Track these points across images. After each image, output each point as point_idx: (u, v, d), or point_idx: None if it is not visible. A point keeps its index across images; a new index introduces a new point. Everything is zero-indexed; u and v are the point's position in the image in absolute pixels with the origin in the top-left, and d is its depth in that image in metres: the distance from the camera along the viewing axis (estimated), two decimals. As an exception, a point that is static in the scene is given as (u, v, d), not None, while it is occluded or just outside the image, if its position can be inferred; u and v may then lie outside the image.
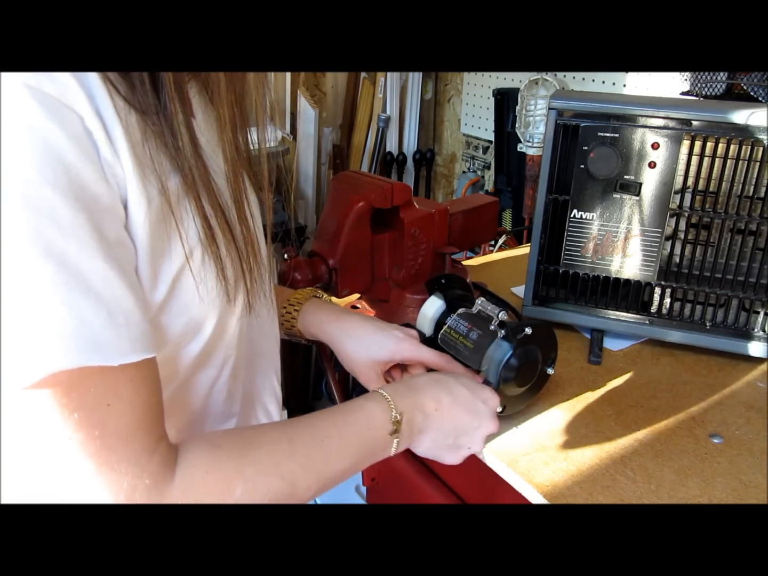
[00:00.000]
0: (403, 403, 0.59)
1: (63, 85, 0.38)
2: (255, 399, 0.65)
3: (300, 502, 0.51)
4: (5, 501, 0.47)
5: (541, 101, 1.48)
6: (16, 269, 0.37)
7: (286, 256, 0.90)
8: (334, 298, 0.88)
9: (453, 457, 0.65)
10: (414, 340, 0.73)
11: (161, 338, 0.48)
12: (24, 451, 0.44)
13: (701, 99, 1.22)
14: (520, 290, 1.06)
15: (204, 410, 0.56)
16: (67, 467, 0.41)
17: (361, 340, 0.73)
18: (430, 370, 0.73)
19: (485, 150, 2.13)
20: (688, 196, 0.87)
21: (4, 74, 0.37)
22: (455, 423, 0.63)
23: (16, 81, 0.37)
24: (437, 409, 0.61)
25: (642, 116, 0.85)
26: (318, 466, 0.52)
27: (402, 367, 0.76)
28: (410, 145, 2.28)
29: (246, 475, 0.47)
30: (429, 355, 0.73)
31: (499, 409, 0.75)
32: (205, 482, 0.45)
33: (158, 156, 0.45)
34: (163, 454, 0.44)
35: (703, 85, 1.24)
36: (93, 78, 0.40)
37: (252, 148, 0.54)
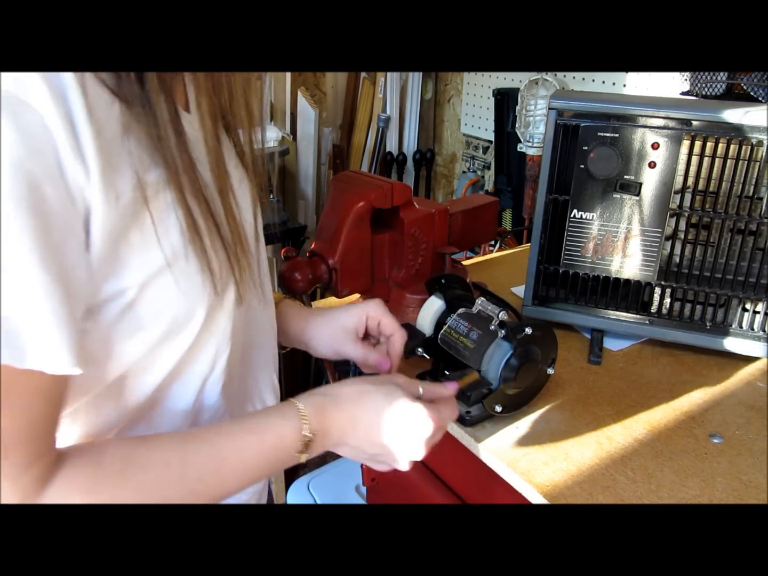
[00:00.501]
0: (318, 421, 0.54)
1: (24, 83, 0.38)
2: (253, 394, 0.65)
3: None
4: None
5: (541, 101, 1.48)
6: None
7: (284, 256, 0.90)
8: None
9: (379, 467, 0.61)
10: (379, 301, 0.72)
11: (141, 332, 0.48)
12: None
13: (701, 99, 1.22)
14: (520, 290, 1.06)
15: (198, 404, 0.56)
16: None
17: (328, 315, 0.73)
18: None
19: (485, 150, 2.13)
20: (688, 196, 0.87)
21: None
22: (370, 444, 0.58)
23: None
24: (353, 429, 0.56)
25: (642, 116, 0.85)
26: (210, 491, 0.50)
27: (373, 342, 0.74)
28: (410, 145, 2.28)
29: (125, 498, 0.45)
30: (390, 320, 0.70)
31: (499, 409, 0.75)
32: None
33: (138, 149, 0.44)
34: (40, 472, 0.43)
35: (703, 85, 1.24)
36: (65, 74, 0.40)
37: (255, 146, 0.54)
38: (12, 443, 0.41)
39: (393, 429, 0.57)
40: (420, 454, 0.58)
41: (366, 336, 0.73)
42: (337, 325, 0.72)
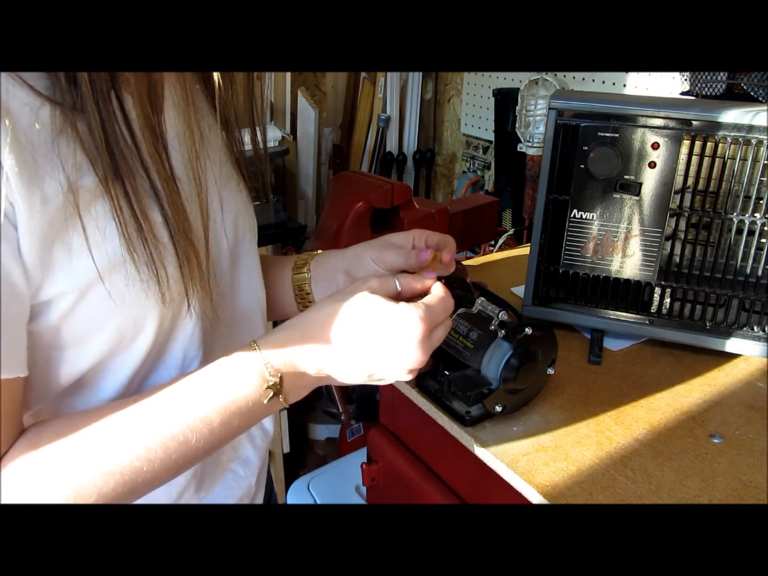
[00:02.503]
0: (284, 359, 0.49)
1: None
2: None
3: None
4: None
5: (541, 101, 1.47)
6: None
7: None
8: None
9: (381, 383, 0.54)
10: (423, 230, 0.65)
11: (89, 338, 0.47)
12: None
13: (701, 99, 1.22)
14: (520, 290, 1.06)
15: None
16: None
17: (376, 240, 0.65)
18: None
19: (485, 150, 2.13)
20: (688, 196, 0.87)
21: None
22: (365, 365, 0.51)
23: None
24: (335, 355, 0.51)
25: (642, 116, 0.85)
26: (166, 450, 0.46)
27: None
28: (410, 145, 2.28)
29: (62, 467, 0.44)
30: (435, 234, 0.63)
31: (499, 409, 0.75)
32: (13, 474, 0.44)
33: (72, 153, 0.43)
34: None
35: (703, 85, 1.24)
36: None
37: (259, 146, 0.54)
38: None
39: (377, 341, 0.50)
40: (417, 359, 0.51)
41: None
42: (386, 242, 0.64)
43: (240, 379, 0.49)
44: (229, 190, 0.59)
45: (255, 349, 0.50)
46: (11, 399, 0.44)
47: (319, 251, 0.71)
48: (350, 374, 0.52)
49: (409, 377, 0.53)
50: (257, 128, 0.54)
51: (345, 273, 0.65)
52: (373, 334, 0.50)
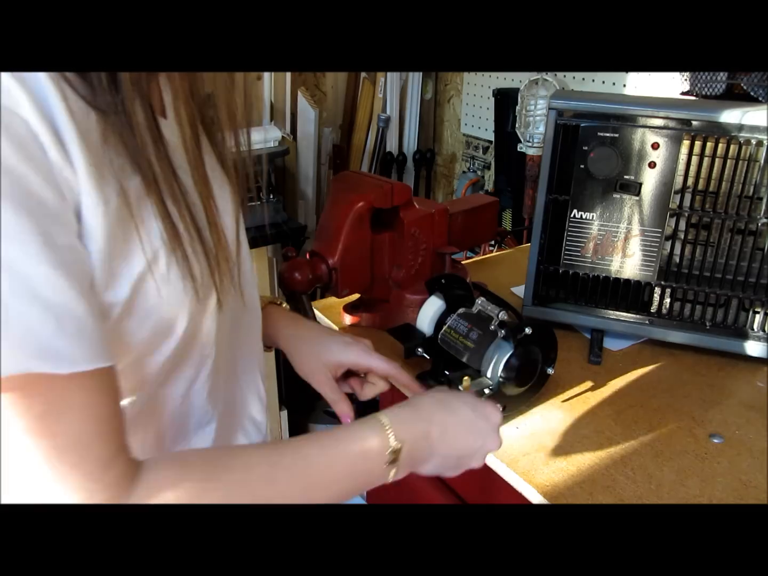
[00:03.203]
0: (405, 430, 0.56)
1: (5, 89, 0.38)
2: (237, 400, 0.64)
3: None
4: None
5: (541, 101, 1.47)
6: None
7: (284, 256, 0.89)
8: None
9: (453, 473, 0.63)
10: (363, 346, 0.72)
11: (127, 342, 0.47)
12: None
13: (701, 99, 1.22)
14: (520, 290, 1.06)
15: (183, 411, 0.56)
16: (16, 478, 0.40)
17: (311, 342, 0.73)
18: (436, 387, 0.71)
19: (485, 150, 2.13)
20: (688, 196, 0.87)
21: None
22: (459, 447, 0.60)
23: None
24: (442, 434, 0.58)
25: (642, 116, 0.85)
26: (296, 495, 0.50)
27: (362, 378, 0.75)
28: (410, 145, 2.28)
29: (211, 498, 0.45)
30: (378, 362, 0.71)
31: (499, 409, 0.75)
32: (166, 501, 0.44)
33: (118, 157, 0.44)
34: (122, 468, 0.43)
35: (703, 85, 1.24)
36: (43, 80, 0.40)
37: (245, 148, 0.54)
38: (86, 443, 0.41)
39: (472, 425, 0.61)
40: (496, 443, 0.62)
41: (349, 372, 0.74)
42: (316, 359, 0.72)
43: (366, 438, 0.54)
44: (224, 193, 0.59)
45: (379, 419, 0.56)
46: (115, 396, 0.44)
47: (277, 302, 0.78)
48: (450, 454, 0.60)
49: (481, 463, 0.63)
50: (241, 130, 0.53)
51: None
52: (473, 419, 0.61)
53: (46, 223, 0.39)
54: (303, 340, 0.73)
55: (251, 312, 0.65)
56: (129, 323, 0.47)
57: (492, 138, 1.98)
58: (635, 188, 0.87)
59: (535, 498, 0.67)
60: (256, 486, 0.48)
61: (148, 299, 0.47)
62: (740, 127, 0.81)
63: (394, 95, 2.16)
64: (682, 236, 0.88)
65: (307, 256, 0.91)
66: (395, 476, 0.55)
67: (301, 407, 2.04)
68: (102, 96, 0.43)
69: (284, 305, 0.80)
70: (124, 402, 0.51)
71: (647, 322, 0.93)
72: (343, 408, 0.71)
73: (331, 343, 0.72)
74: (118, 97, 0.43)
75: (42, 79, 0.40)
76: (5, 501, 0.43)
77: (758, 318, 0.88)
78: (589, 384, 0.86)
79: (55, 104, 0.40)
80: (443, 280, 0.84)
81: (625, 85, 1.57)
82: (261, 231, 1.48)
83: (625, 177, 0.87)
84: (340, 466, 0.52)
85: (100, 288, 0.44)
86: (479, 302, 0.78)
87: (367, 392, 0.73)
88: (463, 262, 1.19)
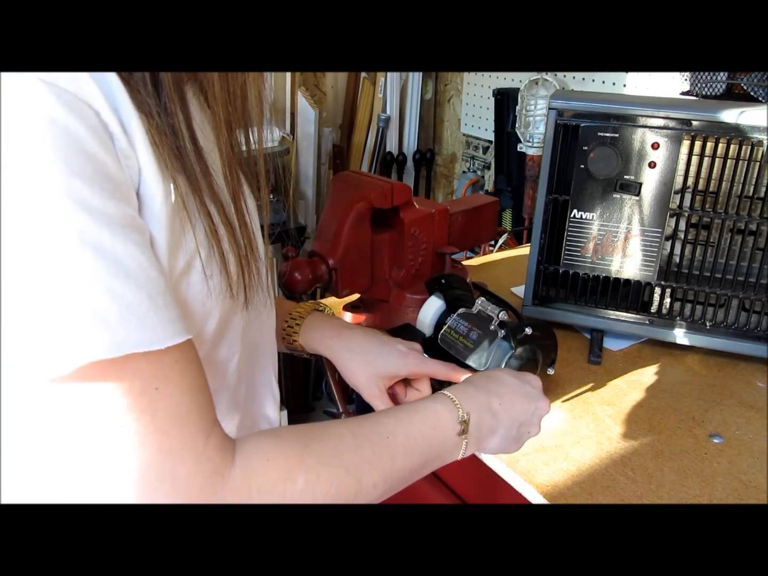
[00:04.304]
0: (470, 403, 0.58)
1: (77, 80, 0.39)
2: (255, 397, 0.65)
3: (366, 500, 0.50)
4: (23, 500, 0.47)
5: (541, 101, 1.48)
6: (55, 261, 0.37)
7: (284, 256, 0.89)
8: (336, 310, 0.87)
9: (516, 446, 0.65)
10: (418, 354, 0.72)
11: None
12: (50, 449, 0.44)
13: (701, 99, 1.22)
14: (520, 290, 1.06)
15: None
16: (119, 460, 0.40)
17: (364, 354, 0.71)
18: (441, 384, 0.72)
19: (485, 150, 2.13)
20: (688, 196, 0.87)
21: (18, 73, 0.37)
22: (518, 414, 0.62)
23: (31, 77, 0.37)
24: (501, 404, 0.61)
25: (642, 116, 0.85)
26: (384, 462, 0.51)
27: (405, 381, 0.75)
28: (410, 145, 2.28)
29: (308, 464, 0.46)
30: (435, 366, 0.72)
31: None
32: (266, 470, 0.45)
33: (165, 155, 0.45)
34: (220, 438, 0.44)
35: (703, 85, 1.24)
36: (110, 76, 0.41)
37: (252, 147, 0.54)
38: (186, 417, 0.42)
39: (522, 390, 0.63)
40: (546, 404, 0.64)
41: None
42: (370, 370, 0.71)
43: (437, 410, 0.57)
44: (248, 192, 0.60)
45: (445, 393, 0.59)
46: (202, 368, 0.45)
47: (320, 308, 0.79)
48: (511, 425, 0.62)
49: (538, 431, 0.65)
50: (251, 129, 0.54)
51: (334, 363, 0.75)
52: (525, 387, 0.64)
53: (125, 206, 0.40)
54: (354, 351, 0.72)
55: (270, 310, 0.65)
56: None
57: (492, 138, 1.98)
58: (635, 188, 0.87)
59: (535, 498, 0.67)
60: (345, 454, 0.49)
61: (192, 292, 0.48)
62: (740, 127, 0.81)
63: (394, 95, 2.16)
64: (682, 236, 0.88)
65: (308, 256, 0.91)
66: (466, 450, 0.58)
67: (301, 407, 2.05)
68: (147, 97, 0.44)
69: (327, 311, 0.80)
70: None
71: (647, 322, 0.93)
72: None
73: (386, 354, 0.71)
74: (161, 100, 0.44)
75: (109, 75, 0.41)
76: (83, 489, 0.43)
77: (758, 318, 0.88)
78: (589, 384, 0.86)
79: (122, 98, 0.41)
80: (443, 280, 0.84)
81: (625, 85, 1.57)
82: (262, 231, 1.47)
83: (625, 177, 0.87)
84: (418, 436, 0.54)
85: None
86: (479, 302, 0.78)
87: (411, 398, 0.73)
88: (463, 262, 1.19)
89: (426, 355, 0.79)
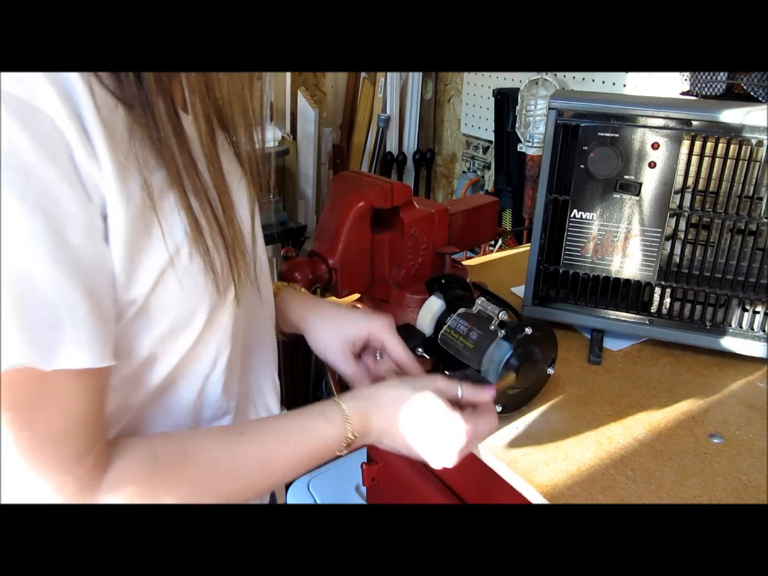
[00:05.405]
0: (361, 424, 0.57)
1: (31, 85, 0.38)
2: (254, 393, 0.65)
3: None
4: None
5: (541, 101, 1.48)
6: None
7: (284, 256, 0.89)
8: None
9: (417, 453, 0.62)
10: (386, 321, 0.71)
11: (146, 336, 0.48)
12: None
13: (701, 99, 1.22)
14: (520, 290, 1.06)
15: (200, 402, 0.56)
16: (5, 462, 0.41)
17: (331, 319, 0.72)
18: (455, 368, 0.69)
19: (485, 150, 2.13)
20: (688, 196, 0.87)
21: None
22: (410, 450, 0.61)
23: None
24: (392, 433, 0.59)
25: (642, 116, 0.85)
26: (258, 482, 0.52)
27: (376, 355, 0.74)
28: (410, 145, 2.28)
29: (178, 494, 0.47)
30: (393, 342, 0.70)
31: (499, 409, 0.75)
32: (132, 497, 0.45)
33: (143, 150, 0.45)
34: (94, 461, 0.44)
35: (703, 85, 1.24)
36: (72, 76, 0.40)
37: (257, 146, 0.54)
38: (62, 438, 0.42)
39: (427, 437, 0.59)
40: (451, 462, 0.61)
41: (366, 347, 0.73)
42: (337, 335, 0.71)
43: (326, 432, 0.56)
44: (240, 189, 0.59)
45: (342, 409, 0.57)
46: (99, 395, 0.45)
47: (287, 286, 0.78)
48: (396, 448, 0.61)
49: (438, 468, 0.62)
50: (256, 128, 0.54)
51: (302, 333, 0.74)
52: (426, 431, 0.59)
53: (60, 222, 0.40)
54: (323, 317, 0.73)
55: (267, 306, 0.65)
56: (150, 317, 0.48)
57: (492, 138, 1.98)
58: (635, 188, 0.87)
59: (535, 498, 0.67)
60: (221, 483, 0.50)
61: (170, 293, 0.48)
62: (740, 127, 0.81)
63: (394, 95, 2.16)
64: (682, 236, 0.88)
65: (308, 256, 0.91)
66: (342, 452, 0.58)
67: (301, 405, 2.04)
68: (129, 90, 0.44)
69: (302, 290, 0.80)
70: (140, 397, 0.51)
71: (647, 322, 0.93)
72: (362, 385, 0.71)
73: (353, 317, 0.72)
74: (143, 92, 0.44)
75: (71, 75, 0.40)
76: None
77: (758, 318, 0.88)
78: (589, 384, 0.86)
79: (83, 99, 0.41)
80: (443, 280, 0.84)
81: (625, 85, 1.57)
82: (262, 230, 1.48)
83: (625, 177, 0.87)
84: (300, 455, 0.55)
85: (121, 285, 0.44)
86: (479, 302, 0.78)
87: (380, 369, 0.72)
88: (463, 262, 1.19)
89: (424, 352, 0.79)
